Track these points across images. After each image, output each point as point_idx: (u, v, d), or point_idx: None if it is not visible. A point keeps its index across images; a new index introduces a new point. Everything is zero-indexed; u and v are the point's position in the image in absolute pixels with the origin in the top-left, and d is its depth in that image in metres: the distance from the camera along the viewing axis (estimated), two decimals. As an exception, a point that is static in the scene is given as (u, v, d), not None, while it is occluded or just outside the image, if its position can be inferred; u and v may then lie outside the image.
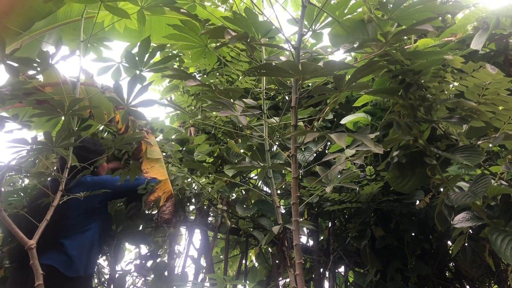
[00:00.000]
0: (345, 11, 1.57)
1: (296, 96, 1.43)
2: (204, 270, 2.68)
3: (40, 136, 2.40)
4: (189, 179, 2.39)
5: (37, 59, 1.56)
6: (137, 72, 1.75)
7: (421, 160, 1.49)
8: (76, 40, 2.52)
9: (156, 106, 1.93)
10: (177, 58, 2.99)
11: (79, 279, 1.96)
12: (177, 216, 2.37)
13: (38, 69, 1.58)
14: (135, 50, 1.74)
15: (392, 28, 1.52)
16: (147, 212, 2.48)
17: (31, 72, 1.65)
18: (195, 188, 2.37)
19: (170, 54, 2.08)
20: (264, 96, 2.03)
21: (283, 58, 1.54)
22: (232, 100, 1.52)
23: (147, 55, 1.73)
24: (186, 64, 3.12)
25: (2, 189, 1.58)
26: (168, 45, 2.91)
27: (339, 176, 1.54)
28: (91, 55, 2.11)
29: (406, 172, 1.57)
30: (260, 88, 2.08)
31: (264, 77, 2.09)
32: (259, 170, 2.05)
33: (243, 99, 1.61)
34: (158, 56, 2.13)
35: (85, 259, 1.99)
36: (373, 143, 1.18)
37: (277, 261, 2.37)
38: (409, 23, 1.41)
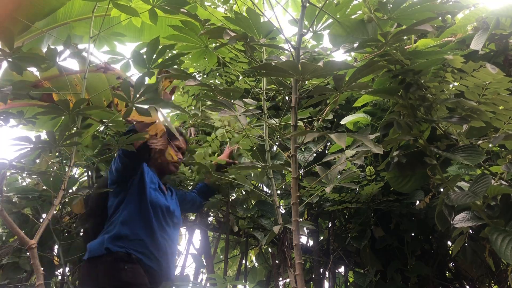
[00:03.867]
0: (346, 13, 1.57)
1: (296, 96, 1.43)
2: (204, 270, 2.68)
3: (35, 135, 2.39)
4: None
5: (45, 56, 1.55)
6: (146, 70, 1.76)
7: (421, 160, 1.49)
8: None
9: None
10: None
11: None
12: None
13: (42, 66, 1.57)
14: (143, 50, 1.75)
15: (392, 28, 1.52)
16: None
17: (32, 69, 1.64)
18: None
19: (176, 53, 2.06)
20: (264, 97, 2.03)
21: (283, 58, 1.54)
22: (232, 100, 1.52)
23: (155, 54, 1.73)
24: (185, 65, 3.12)
25: (4, 188, 1.58)
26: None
27: (339, 176, 1.54)
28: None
29: (406, 172, 1.57)
30: (260, 89, 2.08)
31: (264, 78, 2.09)
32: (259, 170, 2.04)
33: (243, 99, 1.61)
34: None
35: None
36: (373, 143, 1.18)
37: (277, 261, 2.37)
38: (409, 23, 1.41)
